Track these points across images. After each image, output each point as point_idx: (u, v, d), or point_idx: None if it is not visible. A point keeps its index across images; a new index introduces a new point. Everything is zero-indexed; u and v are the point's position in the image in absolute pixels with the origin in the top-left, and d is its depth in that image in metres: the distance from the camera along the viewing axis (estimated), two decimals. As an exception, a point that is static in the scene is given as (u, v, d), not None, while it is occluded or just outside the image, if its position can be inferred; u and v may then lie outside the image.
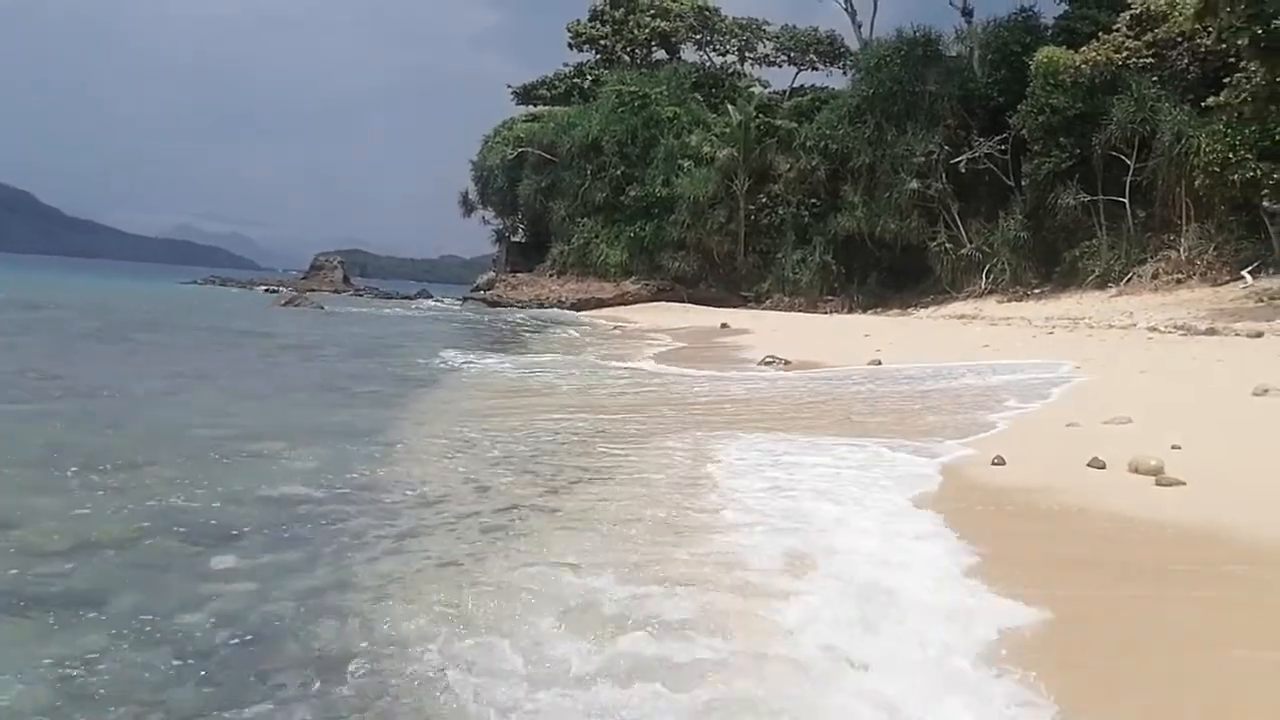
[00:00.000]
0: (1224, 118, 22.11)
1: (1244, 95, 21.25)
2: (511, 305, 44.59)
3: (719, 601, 3.90)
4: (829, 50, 50.65)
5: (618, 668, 3.27)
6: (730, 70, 53.67)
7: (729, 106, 44.59)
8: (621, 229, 45.15)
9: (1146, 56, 28.77)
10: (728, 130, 43.16)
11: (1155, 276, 27.17)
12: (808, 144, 39.23)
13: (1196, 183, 24.10)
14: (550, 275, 47.59)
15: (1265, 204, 23.29)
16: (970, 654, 3.34)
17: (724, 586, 4.10)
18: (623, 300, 43.36)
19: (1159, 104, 27.73)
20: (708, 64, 53.88)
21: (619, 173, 45.36)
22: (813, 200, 39.54)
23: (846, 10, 47.84)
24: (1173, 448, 6.35)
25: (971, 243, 33.68)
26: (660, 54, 54.93)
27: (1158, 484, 5.66)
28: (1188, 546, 4.55)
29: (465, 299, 50.30)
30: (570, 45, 55.95)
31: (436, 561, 4.48)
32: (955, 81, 35.03)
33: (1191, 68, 28.22)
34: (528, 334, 28.04)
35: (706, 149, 43.11)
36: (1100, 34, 30.15)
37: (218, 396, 10.71)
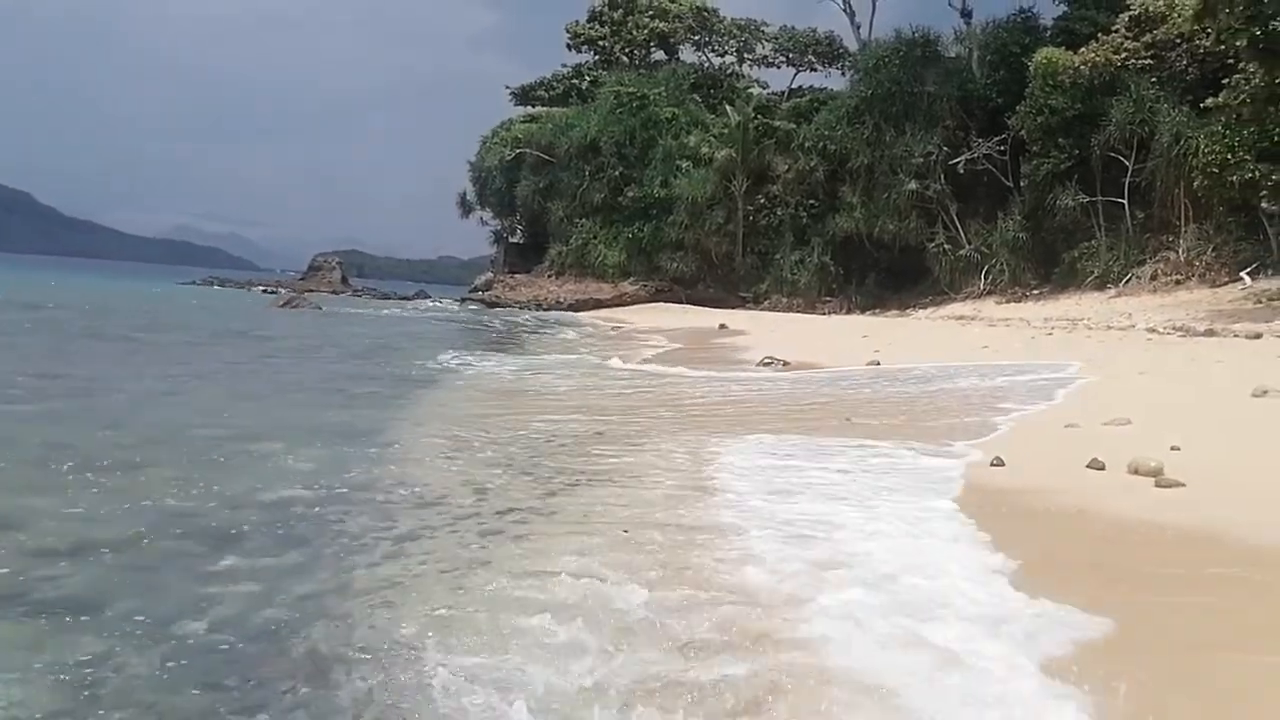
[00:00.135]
0: (1223, 119, 22.11)
1: (1242, 96, 21.26)
2: (510, 306, 44.57)
3: (740, 614, 3.74)
4: (827, 51, 50.67)
5: (624, 682, 3.17)
6: (729, 71, 53.70)
7: (727, 107, 44.62)
8: (620, 230, 45.14)
9: (1145, 58, 28.77)
10: (726, 131, 43.17)
11: (1154, 278, 27.18)
12: (806, 145, 39.23)
13: (1195, 184, 24.10)
14: (548, 276, 47.59)
15: (1264, 205, 23.31)
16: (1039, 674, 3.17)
17: (744, 596, 3.94)
18: (621, 301, 43.36)
19: (1158, 105, 27.73)
20: (706, 65, 53.91)
21: (617, 173, 45.36)
22: (811, 201, 39.54)
23: (845, 11, 47.94)
24: (1172, 449, 6.35)
25: (970, 244, 33.67)
26: (659, 55, 54.95)
27: (1157, 485, 5.66)
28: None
29: (463, 300, 50.26)
30: (568, 46, 55.96)
31: (436, 566, 4.46)
32: (954, 82, 35.02)
33: (1190, 69, 28.23)
34: (526, 335, 28.03)
35: (705, 150, 43.12)
36: (1099, 35, 30.15)
37: (216, 397, 10.69)
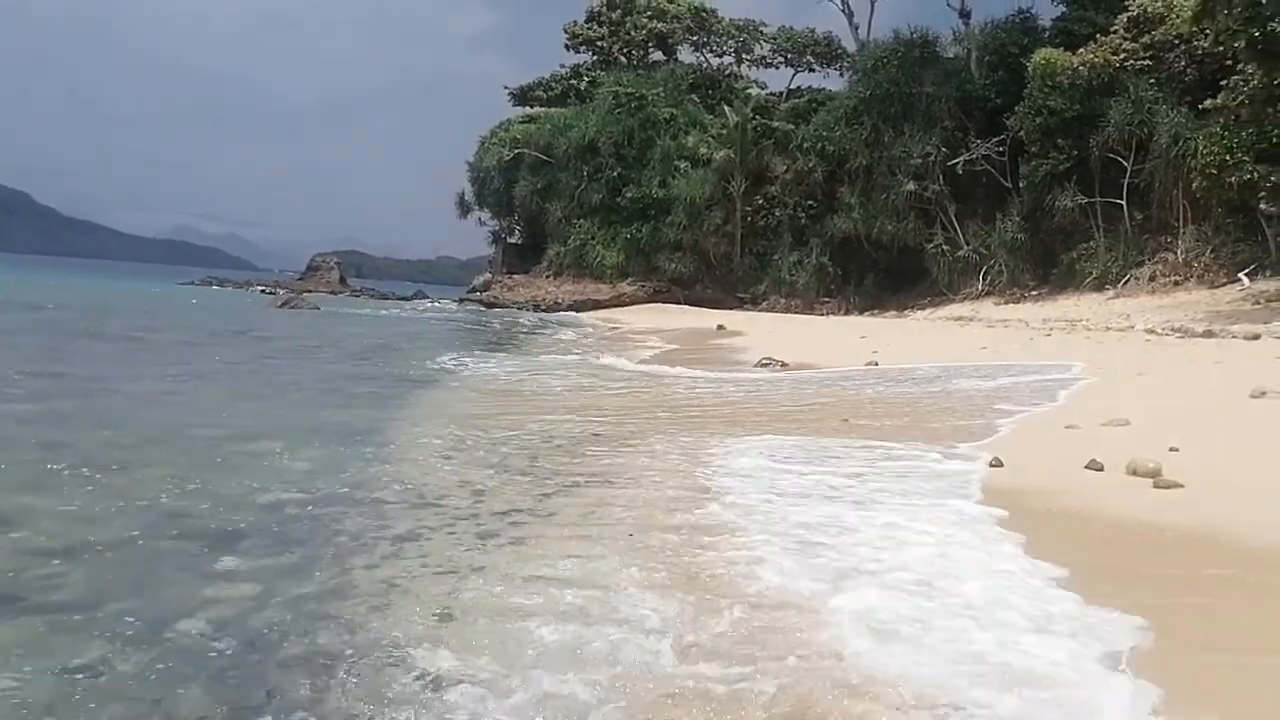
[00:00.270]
0: (1221, 120, 22.12)
1: (1241, 98, 21.27)
2: (508, 306, 44.59)
3: (754, 619, 3.67)
4: (826, 52, 50.71)
5: (628, 690, 3.15)
6: (727, 72, 53.74)
7: (726, 108, 44.62)
8: (618, 230, 45.15)
9: (1144, 58, 28.78)
10: (724, 131, 43.17)
11: (1152, 279, 27.18)
12: (804, 145, 39.22)
13: (1194, 185, 24.11)
14: (546, 276, 47.60)
15: (1262, 206, 23.33)
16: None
17: (755, 600, 3.88)
18: (619, 301, 43.36)
19: (1156, 106, 27.74)
20: (704, 65, 53.96)
21: (615, 174, 45.37)
22: (809, 202, 39.54)
23: (844, 12, 47.97)
24: (1170, 450, 6.35)
25: (969, 244, 33.66)
26: (657, 55, 54.96)
27: (1155, 486, 5.66)
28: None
29: (462, 300, 50.27)
30: (567, 46, 56.00)
31: (434, 568, 4.44)
32: (953, 83, 35.02)
33: (1189, 70, 28.24)
34: (524, 335, 28.02)
35: (703, 150, 43.14)
36: (1098, 36, 30.15)
37: (215, 397, 10.68)
